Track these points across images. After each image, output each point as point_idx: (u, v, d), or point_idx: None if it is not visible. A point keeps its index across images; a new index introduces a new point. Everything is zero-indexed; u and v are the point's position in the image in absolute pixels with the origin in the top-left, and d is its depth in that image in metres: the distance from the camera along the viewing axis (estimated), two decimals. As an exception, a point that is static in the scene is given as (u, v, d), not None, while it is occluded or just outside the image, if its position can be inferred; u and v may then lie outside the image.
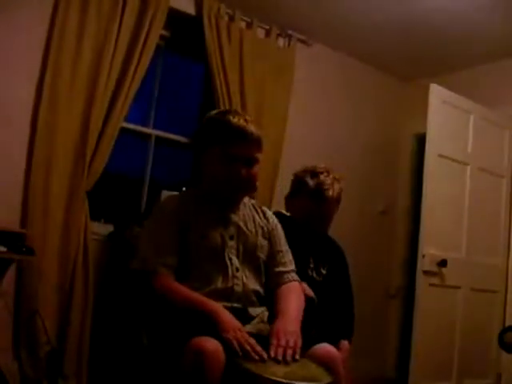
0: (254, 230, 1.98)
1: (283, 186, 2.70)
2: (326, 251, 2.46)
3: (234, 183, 1.88)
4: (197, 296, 1.76)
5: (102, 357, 3.15)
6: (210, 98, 3.74)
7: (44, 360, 2.97)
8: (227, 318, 1.70)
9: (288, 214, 2.44)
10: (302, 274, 2.25)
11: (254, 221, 2.01)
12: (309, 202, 2.31)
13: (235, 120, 1.88)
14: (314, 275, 2.35)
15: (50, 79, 3.07)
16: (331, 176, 2.33)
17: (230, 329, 1.65)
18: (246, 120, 1.90)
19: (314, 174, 2.32)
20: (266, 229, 2.02)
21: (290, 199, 2.43)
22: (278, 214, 2.41)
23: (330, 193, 2.29)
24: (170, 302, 1.78)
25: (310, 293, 2.11)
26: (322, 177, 2.31)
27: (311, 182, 2.31)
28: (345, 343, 2.35)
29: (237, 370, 1.56)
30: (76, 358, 3.07)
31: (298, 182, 2.38)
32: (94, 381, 3.12)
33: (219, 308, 1.72)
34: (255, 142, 1.90)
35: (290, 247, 2.11)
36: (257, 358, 1.58)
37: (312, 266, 2.36)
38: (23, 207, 3.03)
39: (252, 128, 1.89)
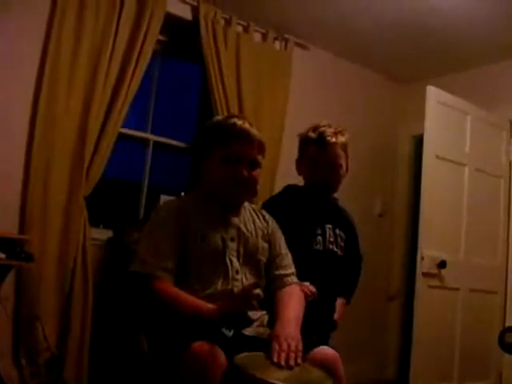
0: (254, 233, 1.99)
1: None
2: (341, 220, 2.45)
3: (236, 183, 1.90)
4: (194, 301, 1.75)
5: (102, 363, 3.14)
6: (207, 102, 3.75)
7: (44, 367, 2.96)
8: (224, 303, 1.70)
9: (300, 185, 2.45)
10: (325, 250, 2.29)
11: (254, 223, 2.02)
12: (314, 152, 2.32)
13: (240, 122, 1.94)
14: (335, 249, 2.35)
15: (47, 85, 3.06)
16: (333, 128, 2.35)
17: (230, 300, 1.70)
18: (250, 124, 1.97)
19: (316, 127, 2.35)
20: (265, 231, 2.02)
21: (299, 161, 2.44)
22: (290, 187, 2.44)
23: (333, 139, 2.30)
24: (169, 308, 1.77)
25: (312, 289, 2.10)
26: (323, 128, 2.33)
27: (313, 134, 2.33)
28: (340, 301, 2.41)
29: (238, 376, 1.55)
30: (76, 365, 3.06)
31: (302, 140, 2.40)
32: (94, 387, 3.11)
33: (216, 307, 1.69)
34: (258, 145, 1.95)
35: (307, 220, 2.23)
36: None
37: (332, 239, 2.35)
38: (21, 213, 3.02)
39: (255, 131, 1.96)
